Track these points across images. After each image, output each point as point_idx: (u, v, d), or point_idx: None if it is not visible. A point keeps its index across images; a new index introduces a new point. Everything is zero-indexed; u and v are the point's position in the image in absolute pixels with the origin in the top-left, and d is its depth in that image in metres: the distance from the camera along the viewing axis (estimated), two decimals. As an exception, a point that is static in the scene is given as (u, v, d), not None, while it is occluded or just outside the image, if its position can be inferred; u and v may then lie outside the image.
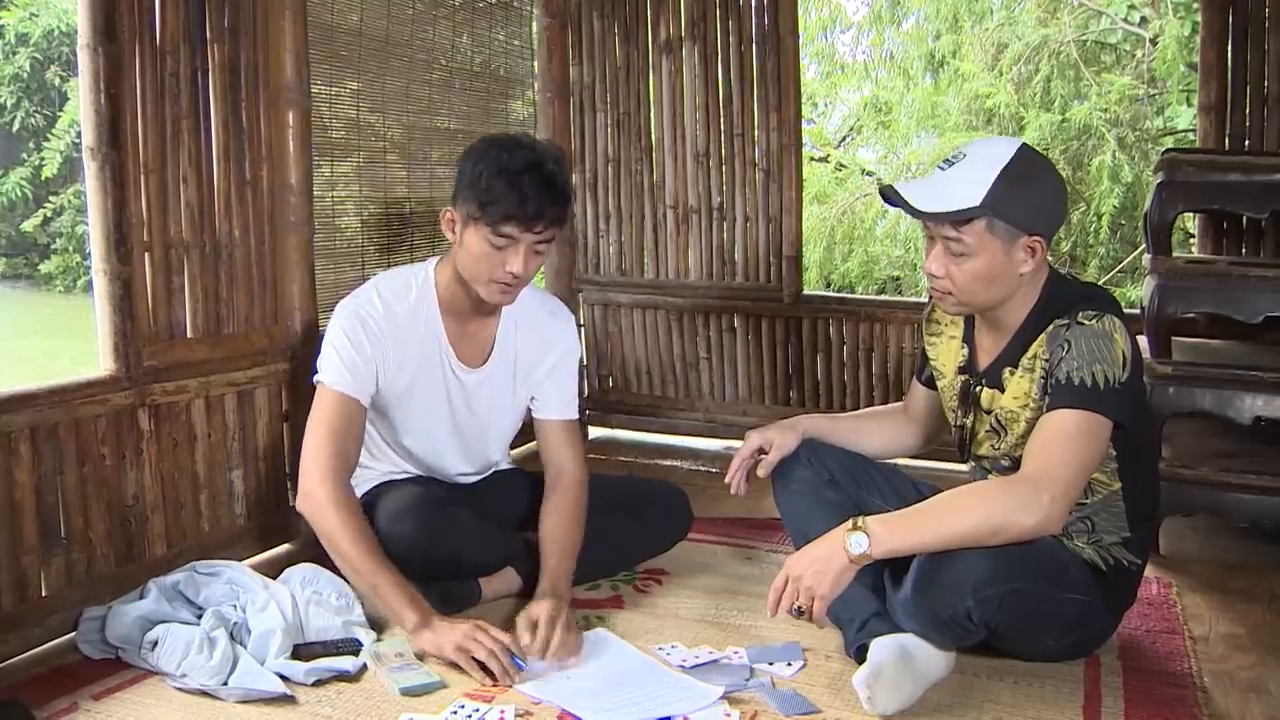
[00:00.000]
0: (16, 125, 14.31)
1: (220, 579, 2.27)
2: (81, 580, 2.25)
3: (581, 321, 4.11)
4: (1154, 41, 7.68)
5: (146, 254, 2.39)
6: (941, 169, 2.01)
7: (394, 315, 2.39)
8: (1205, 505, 2.83)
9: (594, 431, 4.18)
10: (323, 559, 2.40)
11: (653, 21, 3.93)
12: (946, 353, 2.28)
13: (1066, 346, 1.96)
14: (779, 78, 3.75)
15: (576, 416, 2.66)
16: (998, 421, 2.12)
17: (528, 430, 3.49)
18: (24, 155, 14.41)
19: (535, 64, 3.95)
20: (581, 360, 3.85)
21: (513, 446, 2.97)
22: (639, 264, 4.06)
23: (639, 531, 2.56)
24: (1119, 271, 7.71)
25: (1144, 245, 2.98)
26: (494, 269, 2.28)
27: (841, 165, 9.20)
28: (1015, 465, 2.04)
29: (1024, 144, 2.01)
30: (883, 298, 4.58)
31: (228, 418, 2.62)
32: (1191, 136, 5.17)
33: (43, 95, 14.32)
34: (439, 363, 2.46)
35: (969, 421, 2.21)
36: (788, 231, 3.80)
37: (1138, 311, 2.98)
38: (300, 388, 2.75)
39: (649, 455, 3.93)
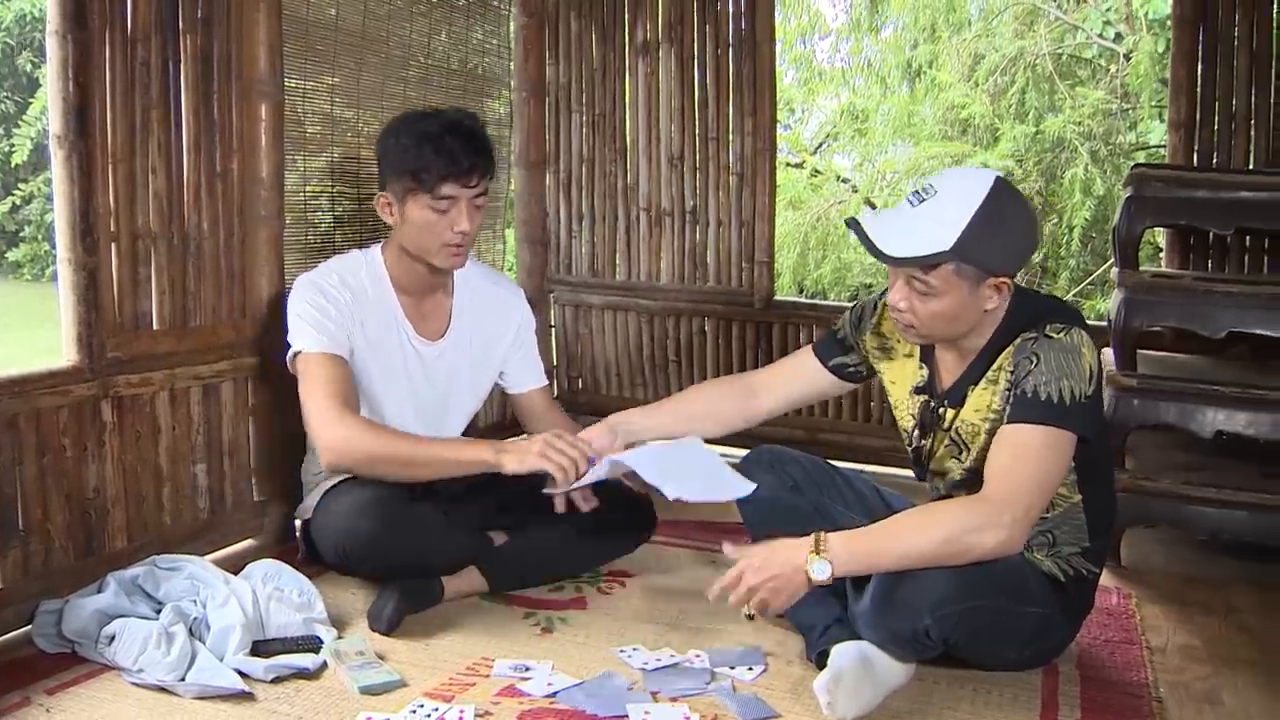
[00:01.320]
0: (-13, 112, 14.17)
1: (181, 574, 2.26)
2: (39, 573, 2.22)
3: (552, 322, 4.11)
4: (1127, 57, 7.76)
5: (113, 244, 2.36)
6: (911, 204, 1.97)
7: (349, 286, 2.47)
8: (1167, 517, 2.86)
9: (563, 432, 4.17)
10: (285, 555, 2.39)
11: (630, 23, 3.93)
12: (899, 371, 2.27)
13: (1035, 360, 1.95)
14: (755, 83, 3.76)
15: (547, 382, 2.78)
16: (958, 436, 2.12)
17: (495, 430, 3.52)
18: (-7, 141, 14.26)
19: (512, 63, 3.94)
20: (551, 359, 3.87)
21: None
22: (611, 265, 4.06)
23: (602, 533, 2.56)
24: (1089, 284, 7.79)
25: (1113, 258, 3.00)
26: (442, 233, 2.39)
27: (817, 171, 9.24)
28: (975, 478, 2.04)
29: (998, 179, 1.97)
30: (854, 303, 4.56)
31: (193, 411, 2.59)
32: (1163, 152, 5.22)
33: (14, 81, 14.18)
34: (397, 338, 2.52)
35: (928, 442, 2.20)
36: (760, 236, 3.81)
37: (1105, 324, 3.01)
38: (268, 382, 2.74)
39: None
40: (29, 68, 13.89)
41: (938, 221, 1.92)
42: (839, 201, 8.66)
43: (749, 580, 1.93)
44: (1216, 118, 3.38)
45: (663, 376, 4.01)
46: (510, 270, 4.47)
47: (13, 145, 13.31)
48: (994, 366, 2.04)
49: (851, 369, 2.37)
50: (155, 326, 2.48)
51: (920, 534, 1.90)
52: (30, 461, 2.20)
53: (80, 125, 2.25)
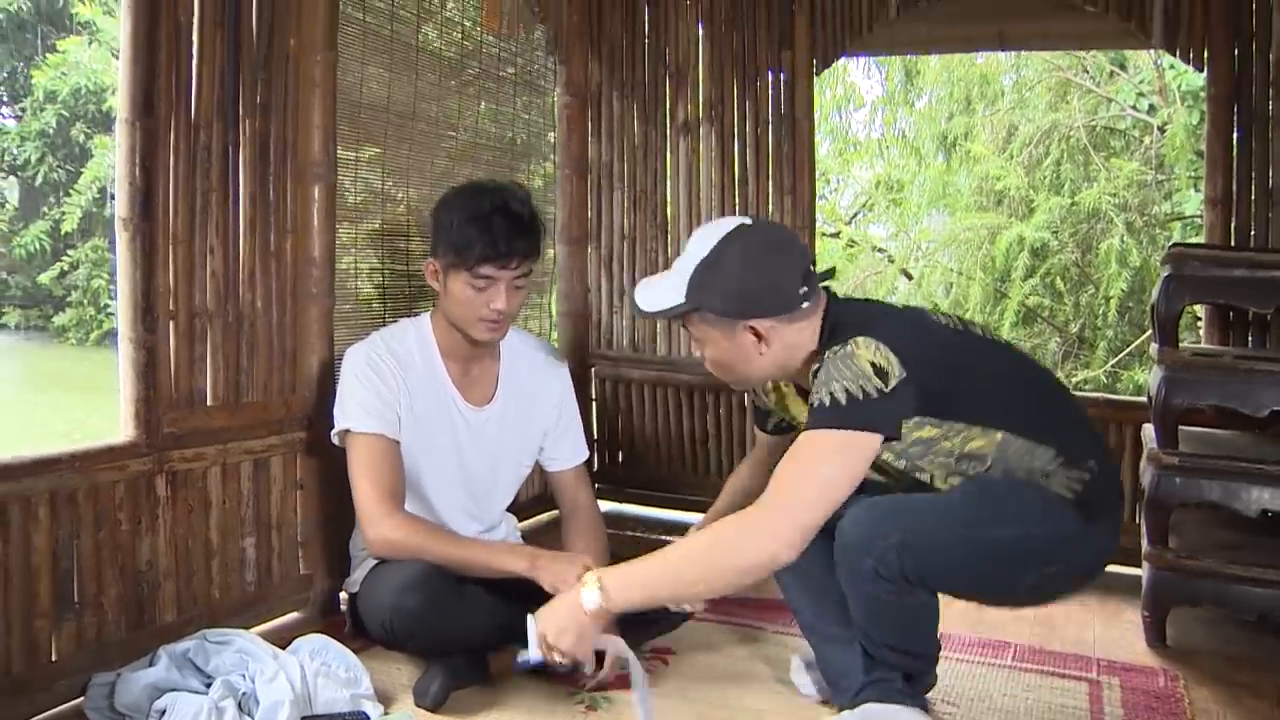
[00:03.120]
0: (39, 180, 14.55)
1: (230, 648, 2.29)
2: (91, 646, 2.26)
3: (593, 396, 4.15)
4: (1161, 129, 7.79)
5: (172, 322, 2.43)
6: (672, 265, 2.09)
7: (399, 356, 2.53)
8: (1212, 597, 2.83)
9: (602, 505, 4.17)
10: (331, 630, 2.42)
11: (671, 103, 4.02)
12: (795, 405, 2.30)
13: (817, 379, 1.96)
14: (794, 160, 3.83)
15: (586, 455, 2.82)
16: None
17: (534, 503, 3.54)
18: (45, 209, 14.63)
19: (554, 135, 4.03)
20: (591, 433, 3.90)
21: (521, 517, 3.01)
22: (651, 341, 4.10)
23: (644, 612, 2.57)
24: (1127, 354, 7.75)
25: (1152, 335, 3.01)
26: (480, 309, 2.44)
27: (853, 242, 9.29)
28: (905, 477, 2.06)
29: (738, 226, 2.04)
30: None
31: (243, 485, 2.64)
32: (1199, 221, 5.23)
33: (67, 151, 14.57)
34: (446, 404, 2.56)
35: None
36: (799, 312, 3.84)
37: (1145, 399, 3.01)
38: (316, 456, 2.79)
39: (657, 531, 3.93)
40: (82, 139, 14.27)
41: (679, 274, 2.04)
42: (875, 272, 8.70)
43: (541, 629, 1.98)
44: (1253, 194, 3.40)
45: (702, 451, 4.04)
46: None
47: (63, 213, 13.68)
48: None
49: (782, 423, 2.43)
50: (210, 402, 2.54)
51: (689, 558, 1.93)
52: (87, 535, 2.25)
53: (145, 208, 2.33)
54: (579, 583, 1.97)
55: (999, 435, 2.03)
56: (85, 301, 14.64)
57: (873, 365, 1.90)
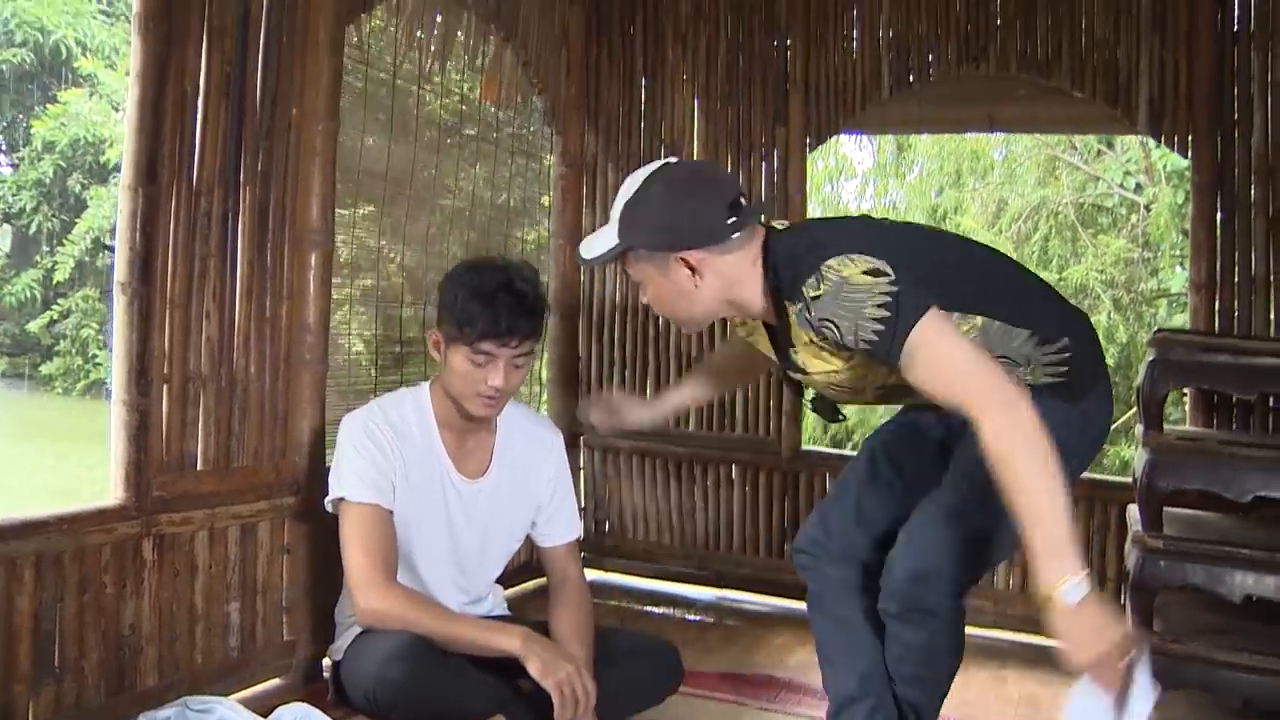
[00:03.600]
0: (34, 228, 14.59)
1: (212, 715, 2.27)
2: (70, 711, 2.24)
3: (582, 465, 4.16)
4: (1148, 208, 7.91)
5: (165, 386, 2.45)
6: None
7: (396, 425, 2.51)
8: (1199, 682, 2.82)
9: (588, 575, 4.15)
10: (314, 698, 2.40)
11: (665, 176, 4.07)
12: (764, 344, 2.25)
13: (833, 326, 1.90)
14: (786, 236, 3.87)
15: (579, 533, 2.79)
16: (842, 385, 2.09)
17: (520, 571, 3.53)
18: (37, 258, 14.65)
19: (547, 199, 4.08)
20: (580, 502, 3.90)
21: (507, 585, 3.01)
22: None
23: (628, 686, 2.56)
24: (1114, 430, 7.78)
25: (1138, 417, 3.05)
26: (478, 384, 2.43)
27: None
28: (899, 386, 2.01)
29: (662, 164, 2.08)
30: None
31: (229, 550, 2.64)
32: (1184, 299, 5.30)
33: (62, 201, 14.62)
34: (440, 475, 2.55)
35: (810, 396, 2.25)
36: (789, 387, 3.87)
37: (1130, 480, 3.03)
38: (304, 522, 2.79)
39: (642, 601, 3.93)
40: (78, 189, 14.33)
41: (611, 222, 2.08)
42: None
43: (1084, 658, 1.72)
44: (1236, 279, 3.45)
45: (690, 523, 4.04)
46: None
47: (56, 262, 13.71)
48: (794, 335, 2.03)
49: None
50: (200, 466, 2.55)
51: (1027, 481, 1.76)
52: (71, 598, 2.25)
53: (143, 273, 2.36)
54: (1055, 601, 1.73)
55: (979, 320, 2.00)
56: (73, 351, 14.60)
57: (866, 274, 1.87)
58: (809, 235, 2.07)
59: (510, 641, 2.31)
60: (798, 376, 2.17)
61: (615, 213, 2.07)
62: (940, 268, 2.02)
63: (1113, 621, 1.71)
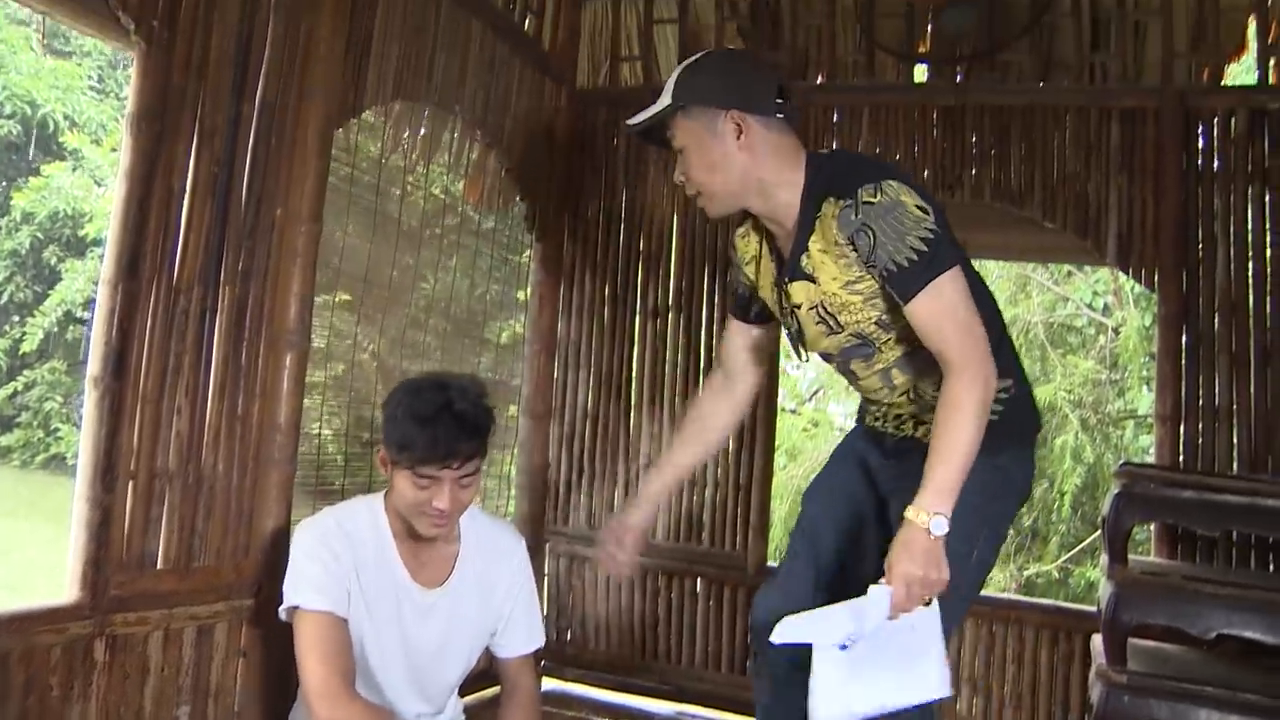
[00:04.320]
0: (4, 298, 14.51)
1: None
2: (1, 824, 2.17)
3: (546, 572, 4.12)
4: (1116, 331, 8.03)
5: (131, 482, 2.41)
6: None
7: (349, 534, 2.45)
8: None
9: (548, 684, 4.11)
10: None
11: (642, 287, 4.13)
12: (762, 273, 2.31)
13: (871, 235, 2.00)
14: (758, 352, 3.91)
15: (539, 644, 2.73)
16: (825, 310, 2.16)
17: (479, 679, 3.47)
18: (6, 328, 14.54)
19: (523, 294, 4.11)
20: (542, 608, 3.86)
21: (465, 692, 2.96)
22: (607, 521, 4.08)
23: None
24: (1080, 550, 7.80)
25: (1102, 539, 3.07)
26: (423, 506, 2.36)
27: (814, 423, 9.39)
28: (863, 348, 2.17)
29: (705, 55, 2.24)
30: (845, 570, 4.63)
31: (184, 651, 2.58)
32: (1150, 421, 5.36)
33: (36, 272, 14.58)
34: (394, 584, 2.49)
35: (794, 323, 2.24)
36: (756, 501, 3.89)
37: (1095, 610, 3.04)
38: (262, 625, 2.74)
39: (601, 714, 3.87)
40: (53, 261, 14.31)
41: (665, 93, 2.15)
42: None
43: (905, 578, 1.95)
44: (1201, 413, 3.51)
45: (652, 636, 4.01)
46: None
47: (25, 333, 13.62)
48: (816, 235, 2.10)
49: (761, 310, 2.41)
50: (160, 565, 2.50)
51: (959, 430, 1.95)
52: (14, 701, 2.17)
53: (117, 368, 2.35)
54: (913, 523, 1.95)
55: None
56: (35, 423, 14.42)
57: (918, 208, 2.00)
58: (860, 159, 2.30)
59: None
60: (785, 305, 2.23)
61: (669, 84, 2.16)
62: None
63: (945, 568, 1.94)
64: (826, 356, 2.29)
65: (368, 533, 2.50)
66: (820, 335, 2.22)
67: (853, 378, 2.31)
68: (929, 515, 1.93)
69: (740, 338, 2.48)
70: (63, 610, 2.28)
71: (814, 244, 2.11)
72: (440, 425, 2.31)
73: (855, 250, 2.04)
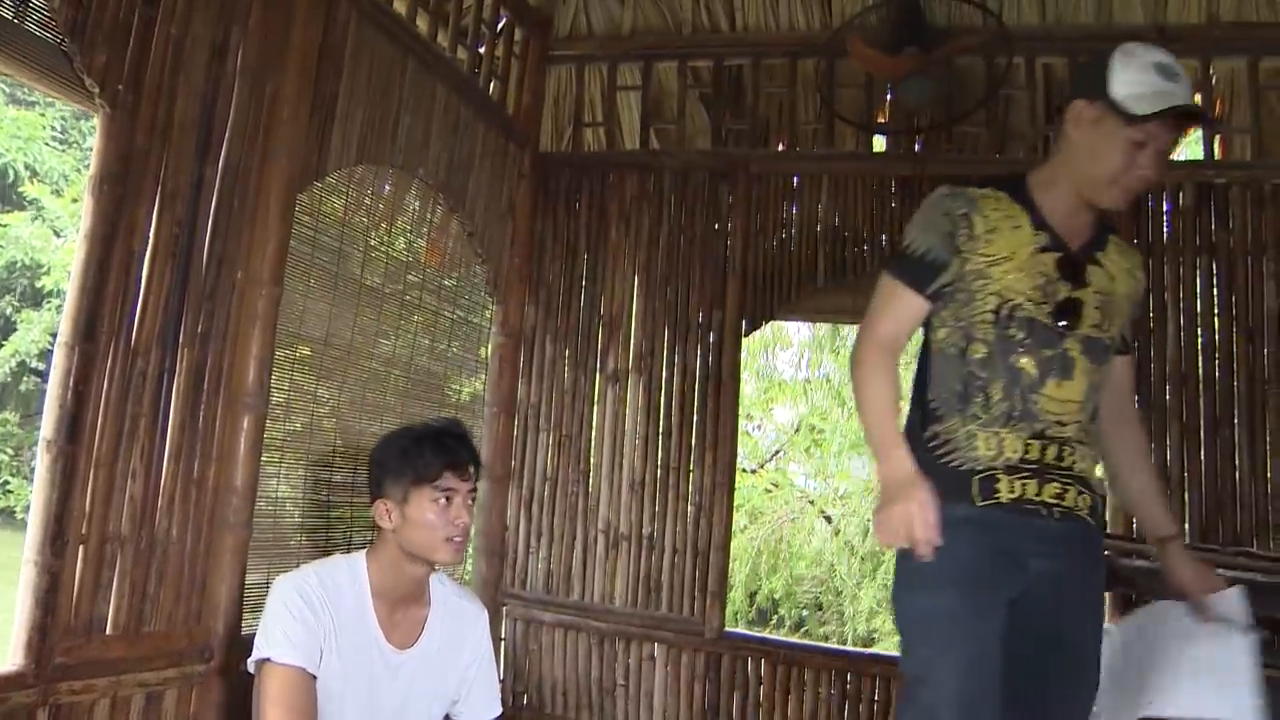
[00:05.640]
0: (-43, 348, 14.30)
1: None
2: None
3: (503, 635, 4.09)
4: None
5: (81, 546, 2.37)
6: (1176, 82, 2.11)
7: (329, 590, 2.48)
8: None
9: (503, 749, 4.08)
10: None
11: (603, 351, 4.16)
12: (1014, 241, 2.20)
13: (1138, 284, 2.34)
14: (718, 416, 3.95)
15: (498, 712, 2.75)
16: (1108, 305, 2.22)
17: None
18: (-43, 378, 14.32)
19: (484, 350, 4.13)
20: (499, 672, 3.83)
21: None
22: (565, 584, 4.10)
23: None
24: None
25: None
26: (446, 528, 2.48)
27: (774, 484, 9.43)
28: (1108, 349, 2.26)
29: None
30: (804, 641, 4.66)
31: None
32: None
33: (-11, 323, 14.40)
34: (369, 643, 2.51)
35: (1081, 294, 2.20)
36: (714, 566, 3.89)
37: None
38: (213, 691, 2.70)
39: (557, 780, 3.84)
40: (9, 311, 14.16)
41: (1183, 87, 2.14)
42: (795, 515, 8.80)
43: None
44: (1154, 482, 3.55)
45: (609, 701, 3.97)
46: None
47: (-22, 384, 13.43)
48: (1109, 248, 2.28)
49: (946, 287, 2.26)
50: (109, 631, 2.45)
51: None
52: (-46, 770, 2.14)
53: (71, 431, 2.32)
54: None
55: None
56: (-16, 473, 14.19)
57: None
58: None
59: None
60: (1058, 278, 2.20)
61: (1184, 84, 2.14)
62: None
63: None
64: (1083, 337, 2.20)
65: (348, 590, 2.51)
66: (1093, 315, 2.21)
67: (1049, 380, 2.18)
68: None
69: (913, 310, 2.29)
70: (5, 678, 2.22)
71: (1110, 253, 2.27)
72: (446, 439, 2.53)
73: (1139, 283, 2.33)
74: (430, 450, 2.49)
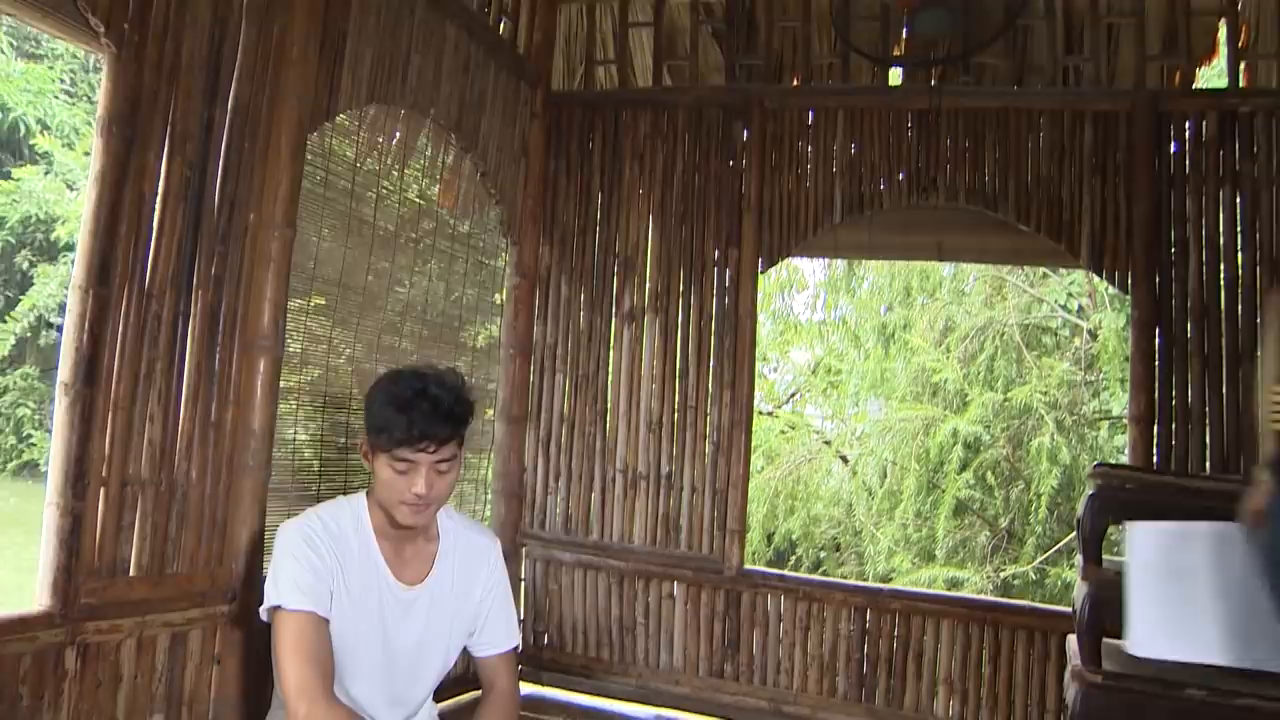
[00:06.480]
0: (-25, 304, 14.34)
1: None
2: (-26, 831, 2.15)
3: (523, 576, 4.12)
4: (1092, 333, 8.08)
5: (102, 489, 2.39)
6: None
7: (334, 534, 2.45)
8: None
9: (525, 688, 4.10)
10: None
11: (618, 290, 4.13)
12: None
13: None
14: (735, 355, 3.93)
15: (516, 642, 2.71)
16: None
17: (456, 684, 3.46)
18: (-23, 334, 14.37)
19: (499, 297, 4.12)
20: (519, 613, 3.85)
21: (443, 698, 2.94)
22: (584, 524, 4.11)
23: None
24: (1056, 551, 7.83)
25: (1077, 540, 3.08)
26: (401, 492, 2.38)
27: (791, 425, 9.41)
28: None
29: None
30: (822, 578, 4.67)
31: (157, 659, 2.56)
32: (1126, 420, 5.40)
33: (8, 277, 14.41)
34: (377, 582, 2.49)
35: None
36: (733, 504, 3.89)
37: (1070, 610, 3.05)
38: (237, 631, 2.73)
39: (578, 718, 3.87)
40: (25, 265, 14.16)
41: None
42: (812, 455, 8.80)
43: None
44: (1174, 415, 3.53)
45: (630, 639, 4.01)
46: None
47: (-4, 338, 13.47)
48: None
49: None
50: (132, 572, 2.48)
51: None
52: (-16, 710, 2.17)
53: (88, 374, 2.33)
54: None
55: None
56: (7, 429, 14.26)
57: None
58: None
59: None
60: None
61: None
62: None
63: None
64: None
65: (351, 531, 2.50)
66: None
67: None
68: None
69: None
70: (32, 619, 2.25)
71: None
72: (416, 409, 2.33)
73: None
74: (392, 415, 2.33)
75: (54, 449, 2.33)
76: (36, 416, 14.14)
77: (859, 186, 3.93)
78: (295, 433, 3.08)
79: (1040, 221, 3.72)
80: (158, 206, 2.50)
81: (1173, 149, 3.66)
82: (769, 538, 8.41)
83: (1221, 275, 3.56)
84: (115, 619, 2.43)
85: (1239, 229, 3.57)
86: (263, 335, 2.79)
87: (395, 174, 3.49)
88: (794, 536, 8.40)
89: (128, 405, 2.44)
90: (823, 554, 8.56)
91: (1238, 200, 3.58)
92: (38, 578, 2.31)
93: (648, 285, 4.10)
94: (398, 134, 3.49)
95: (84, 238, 2.35)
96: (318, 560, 2.40)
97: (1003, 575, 7.77)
